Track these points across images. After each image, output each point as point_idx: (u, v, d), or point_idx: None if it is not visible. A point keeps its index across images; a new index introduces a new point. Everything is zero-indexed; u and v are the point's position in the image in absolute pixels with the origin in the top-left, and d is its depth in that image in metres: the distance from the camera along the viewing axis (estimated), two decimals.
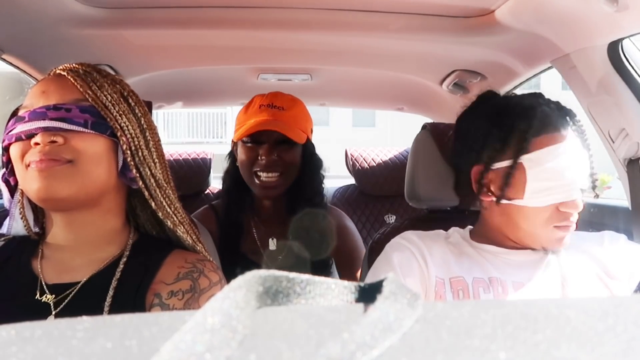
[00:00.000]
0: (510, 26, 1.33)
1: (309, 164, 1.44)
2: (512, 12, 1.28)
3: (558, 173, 0.87)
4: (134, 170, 0.79)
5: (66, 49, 1.41)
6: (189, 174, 2.06)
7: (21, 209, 0.83)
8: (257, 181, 1.37)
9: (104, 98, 0.78)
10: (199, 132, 13.53)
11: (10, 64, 1.39)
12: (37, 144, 0.73)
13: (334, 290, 0.23)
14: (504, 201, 0.92)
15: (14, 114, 0.81)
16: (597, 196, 0.97)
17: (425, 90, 2.04)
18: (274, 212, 1.45)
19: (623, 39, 1.21)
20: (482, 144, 0.94)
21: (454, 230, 1.05)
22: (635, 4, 0.98)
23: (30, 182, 0.74)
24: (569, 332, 0.21)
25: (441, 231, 1.05)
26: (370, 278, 0.98)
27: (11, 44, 1.30)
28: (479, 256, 0.97)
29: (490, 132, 0.93)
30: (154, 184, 0.81)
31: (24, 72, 1.44)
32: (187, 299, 0.77)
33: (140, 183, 0.80)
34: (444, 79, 1.86)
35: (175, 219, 0.83)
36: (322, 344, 0.19)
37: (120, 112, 0.79)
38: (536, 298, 0.87)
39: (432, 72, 1.85)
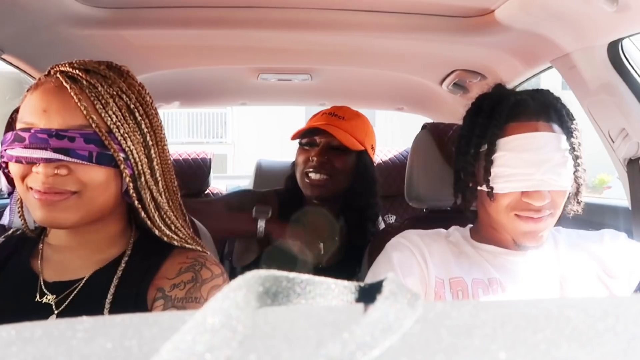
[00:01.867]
0: (510, 26, 1.33)
1: (362, 175, 1.48)
2: (512, 12, 1.28)
3: (519, 160, 0.86)
4: (134, 196, 0.77)
5: (66, 49, 1.41)
6: (189, 174, 2.06)
7: (19, 209, 0.82)
8: (306, 180, 1.43)
9: (109, 119, 0.73)
10: (199, 132, 13.53)
11: (10, 64, 1.39)
12: (39, 172, 0.70)
13: (334, 290, 0.23)
14: (479, 188, 0.93)
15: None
16: (578, 202, 0.95)
17: (425, 90, 2.04)
18: (325, 217, 1.49)
19: (623, 38, 1.21)
20: (471, 133, 0.95)
21: (454, 229, 1.05)
22: (635, 4, 0.98)
23: (32, 208, 0.73)
24: (569, 332, 0.21)
25: (442, 230, 1.05)
26: (370, 277, 0.98)
27: (11, 44, 1.30)
28: (478, 256, 0.97)
29: (476, 121, 0.94)
30: (153, 208, 0.79)
31: (24, 72, 1.44)
32: (189, 288, 0.76)
33: (139, 205, 0.78)
34: (444, 79, 1.86)
35: (172, 236, 0.82)
36: (322, 344, 0.19)
37: (125, 135, 0.74)
38: (536, 298, 0.87)
39: (432, 72, 1.85)
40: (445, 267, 0.95)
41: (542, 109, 0.90)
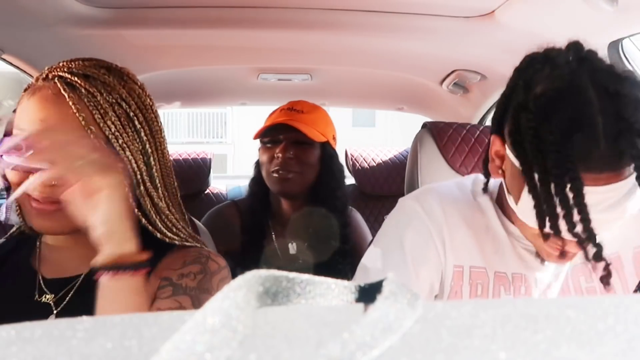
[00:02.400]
0: (510, 26, 1.33)
1: (327, 166, 1.47)
2: (512, 12, 1.28)
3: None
4: (134, 204, 0.76)
5: (66, 49, 1.41)
6: (189, 174, 2.06)
7: (17, 206, 0.82)
8: (274, 178, 1.42)
9: (107, 129, 0.72)
10: (199, 132, 13.55)
11: (10, 64, 1.39)
12: None
13: (334, 290, 0.23)
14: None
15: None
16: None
17: (425, 90, 2.04)
18: (294, 217, 1.48)
19: (623, 38, 1.21)
20: (517, 124, 0.72)
21: (481, 192, 0.86)
22: (635, 4, 0.98)
23: (27, 214, 0.72)
24: (569, 332, 0.21)
25: (467, 188, 0.88)
26: (374, 254, 0.87)
27: (11, 44, 1.30)
28: (505, 238, 0.82)
29: (544, 136, 0.68)
30: (154, 214, 0.78)
31: (24, 72, 1.44)
32: (200, 279, 0.76)
33: (139, 212, 0.77)
34: (444, 79, 1.86)
35: (173, 237, 0.81)
36: (322, 344, 0.19)
37: (124, 145, 0.73)
38: (536, 298, 0.86)
39: (432, 72, 1.85)
40: (467, 252, 0.82)
41: (615, 157, 0.66)
